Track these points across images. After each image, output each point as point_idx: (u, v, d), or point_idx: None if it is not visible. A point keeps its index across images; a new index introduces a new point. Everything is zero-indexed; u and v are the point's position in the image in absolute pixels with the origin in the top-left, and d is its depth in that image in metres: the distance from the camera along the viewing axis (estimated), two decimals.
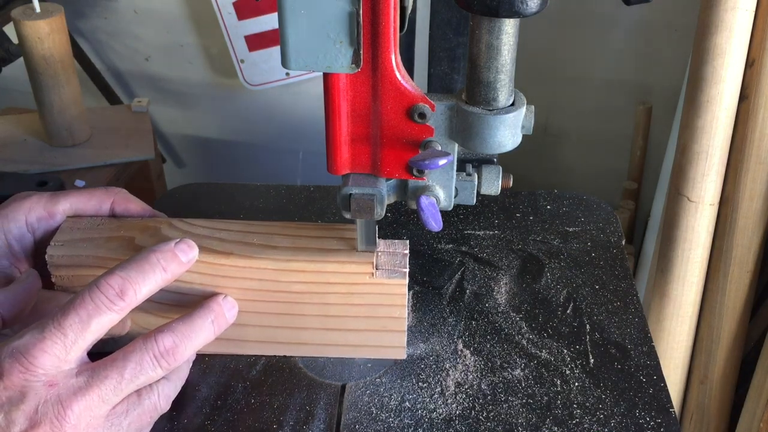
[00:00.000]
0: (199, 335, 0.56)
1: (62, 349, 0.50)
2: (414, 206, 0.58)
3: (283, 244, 0.61)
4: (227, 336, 0.62)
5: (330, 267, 0.60)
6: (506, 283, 0.72)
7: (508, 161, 0.80)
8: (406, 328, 0.63)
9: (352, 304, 0.61)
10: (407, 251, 0.62)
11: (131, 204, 0.66)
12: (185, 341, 0.55)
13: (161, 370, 0.53)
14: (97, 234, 0.62)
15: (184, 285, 0.60)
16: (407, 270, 0.60)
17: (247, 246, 0.61)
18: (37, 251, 0.63)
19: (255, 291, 0.61)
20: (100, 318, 0.51)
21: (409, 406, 0.60)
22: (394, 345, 0.63)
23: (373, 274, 0.60)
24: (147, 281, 0.54)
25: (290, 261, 0.60)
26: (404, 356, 0.64)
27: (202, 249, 0.60)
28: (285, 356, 0.64)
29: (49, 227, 0.63)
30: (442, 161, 0.52)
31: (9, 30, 1.19)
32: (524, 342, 0.66)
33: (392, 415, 0.59)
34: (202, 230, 0.62)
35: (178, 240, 0.57)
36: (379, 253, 0.61)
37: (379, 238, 0.61)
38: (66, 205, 0.64)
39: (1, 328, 0.56)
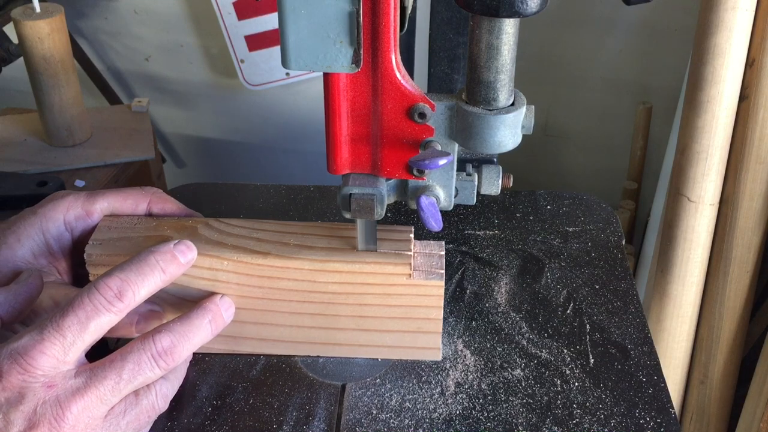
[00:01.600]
0: (196, 335, 0.56)
1: (61, 351, 0.50)
2: (414, 206, 0.58)
3: (320, 244, 0.61)
4: (261, 336, 0.63)
5: (367, 268, 0.60)
6: (506, 283, 0.72)
7: (508, 161, 0.80)
8: (441, 330, 0.63)
9: (388, 305, 0.61)
10: (443, 252, 0.62)
11: (168, 203, 0.66)
12: (183, 341, 0.55)
13: (159, 370, 0.53)
14: (134, 233, 0.62)
15: (221, 284, 0.60)
16: (444, 271, 0.60)
17: (284, 246, 0.61)
18: (75, 250, 0.63)
19: (291, 291, 0.61)
20: (98, 319, 0.51)
21: (410, 406, 0.60)
22: (429, 346, 0.63)
23: (410, 275, 0.60)
24: (146, 282, 0.54)
25: (327, 261, 0.60)
26: (439, 357, 0.64)
27: (239, 249, 0.60)
28: (285, 356, 0.64)
29: (87, 226, 0.63)
30: (442, 161, 0.52)
31: (9, 30, 1.19)
32: (524, 342, 0.66)
33: (392, 415, 0.59)
34: (239, 230, 0.62)
35: (176, 241, 0.57)
36: (416, 255, 0.61)
37: (415, 239, 0.62)
38: (104, 204, 0.64)
39: (0, 328, 0.56)
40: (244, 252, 0.60)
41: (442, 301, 0.61)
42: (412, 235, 0.62)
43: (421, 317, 0.62)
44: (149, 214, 0.65)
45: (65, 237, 0.63)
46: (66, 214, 0.62)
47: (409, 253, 0.60)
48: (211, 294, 0.60)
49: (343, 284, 0.60)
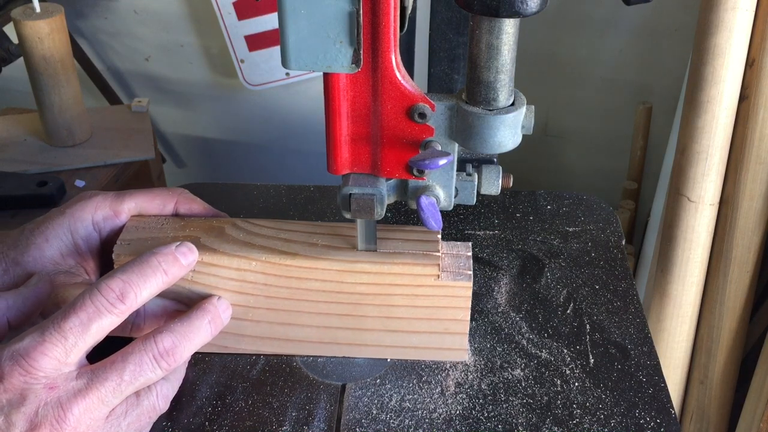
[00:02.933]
0: (197, 336, 0.56)
1: (62, 352, 0.50)
2: (414, 206, 0.58)
3: (347, 245, 0.61)
4: (288, 336, 0.63)
5: (395, 269, 0.60)
6: (506, 283, 0.72)
7: (508, 161, 0.80)
8: (468, 331, 0.63)
9: (415, 306, 0.61)
10: (470, 253, 0.62)
11: (194, 204, 0.66)
12: (184, 342, 0.55)
13: (161, 371, 0.53)
14: (162, 233, 0.62)
15: (248, 284, 0.61)
16: (472, 272, 0.60)
17: (312, 247, 0.61)
18: (103, 250, 0.64)
19: (318, 292, 0.61)
20: (100, 321, 0.51)
21: (410, 406, 0.60)
22: (456, 347, 0.63)
23: (438, 276, 0.60)
24: (148, 284, 0.54)
25: (355, 262, 0.60)
26: (466, 358, 0.64)
27: (267, 249, 0.60)
28: (285, 356, 0.64)
29: (115, 226, 0.63)
30: (442, 161, 0.52)
31: (9, 30, 1.19)
32: (524, 342, 0.66)
33: (392, 415, 0.59)
34: (266, 230, 0.63)
35: (178, 243, 0.57)
36: (444, 256, 0.61)
37: (442, 240, 0.62)
38: (131, 204, 0.64)
39: (7, 332, 0.56)
40: (271, 252, 0.60)
41: (470, 302, 0.61)
42: (439, 236, 0.62)
43: (448, 318, 0.61)
44: (175, 215, 0.66)
45: (93, 237, 0.63)
46: (94, 214, 0.63)
47: (437, 254, 0.60)
48: (209, 295, 0.60)
49: (370, 285, 0.60)
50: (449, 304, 0.61)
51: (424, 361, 0.64)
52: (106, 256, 0.62)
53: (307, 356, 0.64)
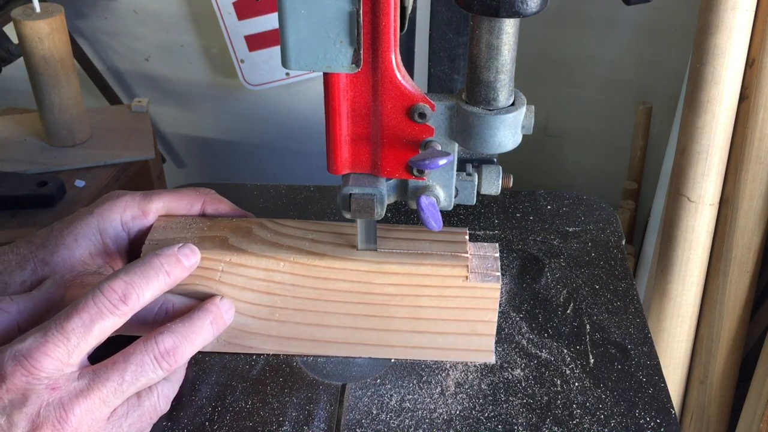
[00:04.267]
0: (198, 336, 0.56)
1: (65, 353, 0.50)
2: (414, 206, 0.58)
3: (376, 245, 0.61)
4: (314, 337, 0.63)
5: (424, 270, 0.60)
6: (506, 283, 0.72)
7: (508, 161, 0.80)
8: (495, 332, 0.62)
9: (443, 307, 0.61)
10: (498, 254, 0.62)
11: (221, 204, 0.66)
12: (185, 342, 0.55)
13: (162, 371, 0.53)
14: (189, 234, 0.62)
15: (276, 285, 0.61)
16: (500, 273, 0.60)
17: (340, 247, 0.61)
18: (131, 250, 0.64)
19: (346, 292, 0.61)
20: (102, 322, 0.51)
21: (410, 406, 0.60)
22: (482, 348, 0.63)
23: (467, 277, 0.60)
24: (150, 286, 0.54)
25: (383, 263, 0.60)
26: (493, 360, 0.64)
27: (295, 250, 0.60)
28: (285, 356, 0.64)
29: (143, 226, 0.63)
30: (442, 161, 0.52)
31: (9, 30, 1.19)
32: (524, 342, 0.66)
33: (392, 416, 0.59)
34: (293, 230, 0.63)
35: (181, 245, 0.57)
36: (471, 257, 0.61)
37: (470, 241, 0.62)
38: (159, 204, 0.64)
39: (17, 336, 0.56)
40: (299, 253, 0.60)
41: (498, 303, 0.61)
42: (467, 237, 0.62)
43: (476, 319, 0.61)
44: (202, 215, 0.66)
45: (122, 237, 0.63)
46: (123, 214, 0.62)
47: (465, 255, 0.60)
48: (211, 295, 0.60)
49: (398, 286, 0.60)
50: (477, 305, 0.61)
51: (424, 361, 0.64)
52: (134, 256, 0.62)
53: (308, 356, 0.64)
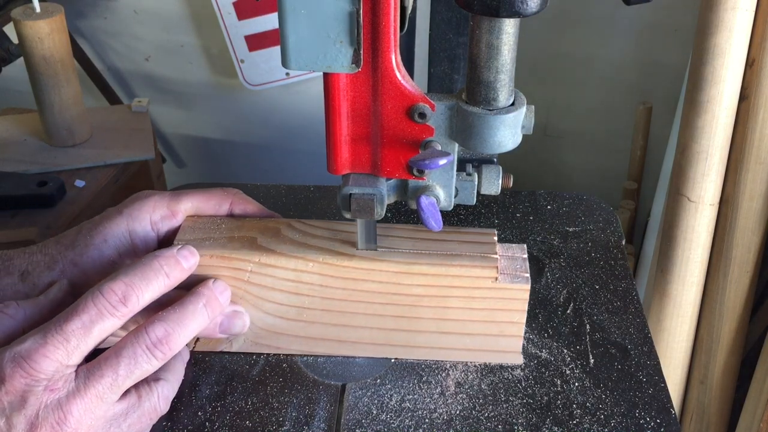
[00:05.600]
0: (192, 321, 0.56)
1: (64, 354, 0.50)
2: (414, 206, 0.58)
3: (404, 246, 0.61)
4: (341, 338, 0.63)
5: (453, 271, 0.60)
6: None
7: (508, 161, 0.80)
8: (523, 333, 0.62)
9: (471, 308, 0.61)
10: (526, 255, 0.62)
11: (249, 205, 0.66)
12: (177, 329, 0.54)
13: (157, 361, 0.53)
14: (218, 234, 0.62)
15: (304, 285, 0.61)
16: (529, 274, 0.60)
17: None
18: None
19: (374, 293, 0.61)
20: (102, 324, 0.51)
21: (410, 406, 0.60)
22: (509, 350, 0.63)
23: (496, 278, 0.59)
24: (150, 287, 0.54)
25: (413, 264, 0.60)
26: (520, 361, 0.63)
27: (324, 250, 0.60)
28: (286, 356, 0.64)
29: (172, 226, 0.63)
30: (442, 161, 0.52)
31: (9, 30, 1.19)
32: (524, 342, 0.66)
33: (392, 416, 0.59)
34: (321, 231, 0.63)
35: (180, 246, 0.57)
36: (500, 258, 0.61)
37: (499, 242, 0.62)
38: (188, 205, 0.64)
39: None
40: (329, 253, 0.60)
41: (527, 304, 0.61)
42: (495, 238, 0.62)
43: (504, 320, 0.61)
44: (230, 215, 0.65)
45: (151, 237, 0.62)
46: (152, 214, 0.62)
47: (495, 256, 0.60)
48: (205, 279, 0.60)
49: (427, 287, 0.60)
50: (506, 306, 0.61)
51: (424, 361, 0.64)
52: None
53: (308, 356, 0.64)
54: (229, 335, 0.62)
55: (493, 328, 0.62)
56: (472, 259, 0.60)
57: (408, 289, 0.60)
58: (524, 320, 0.61)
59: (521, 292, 0.60)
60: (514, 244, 0.63)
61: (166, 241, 0.63)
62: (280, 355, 0.64)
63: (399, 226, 0.64)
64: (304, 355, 0.64)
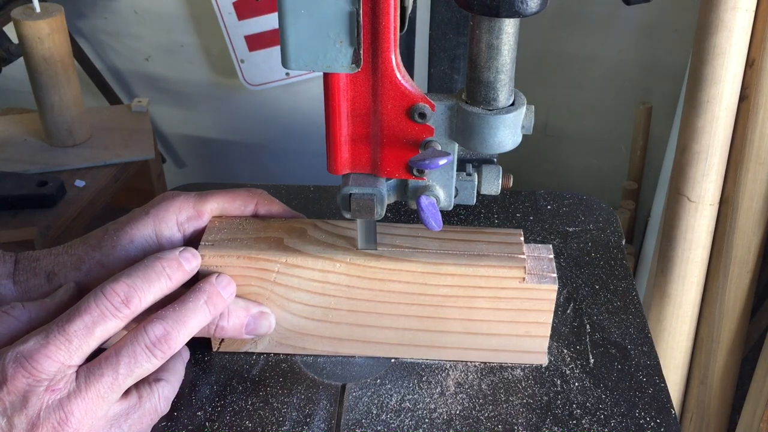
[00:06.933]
0: (192, 319, 0.55)
1: (66, 355, 0.50)
2: (414, 206, 0.58)
3: (431, 246, 0.61)
4: (366, 338, 0.63)
5: (480, 271, 0.59)
6: None
7: (508, 161, 0.80)
8: (549, 334, 0.62)
9: (498, 309, 0.61)
10: (552, 255, 0.61)
11: (274, 205, 0.65)
12: (177, 327, 0.54)
13: (157, 360, 0.53)
14: (244, 234, 0.62)
15: (331, 286, 0.60)
16: (556, 275, 0.60)
17: (396, 248, 0.61)
18: None
19: (401, 294, 0.61)
20: (104, 325, 0.51)
21: (410, 406, 0.60)
22: (535, 350, 0.63)
23: (524, 279, 0.59)
24: (152, 289, 0.54)
25: (440, 264, 0.59)
26: (545, 362, 0.63)
27: (350, 251, 0.60)
28: (285, 356, 0.64)
29: (198, 227, 0.63)
30: (442, 161, 0.52)
31: (9, 30, 1.19)
32: None
33: (392, 416, 0.59)
34: (347, 231, 0.62)
35: (182, 249, 0.57)
36: (527, 258, 0.61)
37: (525, 243, 0.61)
38: (213, 205, 0.63)
39: None
40: (355, 254, 0.60)
41: (554, 305, 0.60)
42: (522, 238, 0.62)
43: (530, 321, 0.61)
44: (255, 215, 0.65)
45: (177, 237, 0.62)
46: (178, 215, 0.62)
47: (522, 256, 0.60)
48: (208, 274, 0.59)
49: (454, 287, 0.60)
50: (532, 306, 0.60)
51: (424, 361, 0.64)
52: None
53: (310, 356, 0.64)
54: (255, 336, 0.62)
55: (520, 329, 0.62)
56: (500, 260, 0.60)
57: (435, 289, 0.60)
58: (551, 320, 0.61)
59: (549, 292, 0.60)
60: (540, 245, 0.62)
61: (193, 241, 0.62)
62: (280, 354, 0.64)
63: (423, 226, 0.64)
64: (305, 355, 0.64)
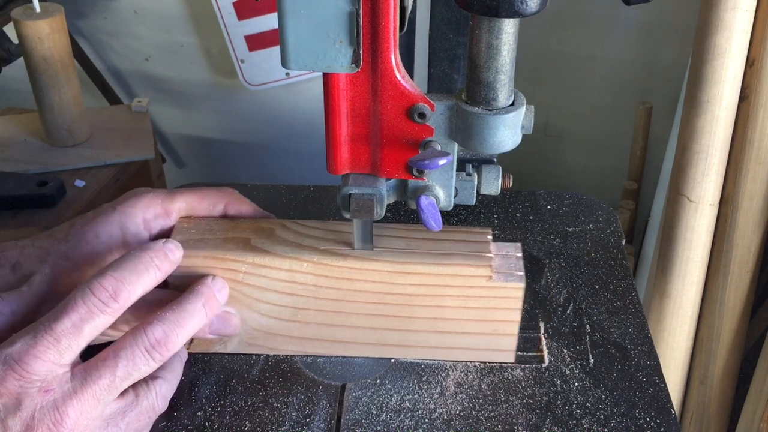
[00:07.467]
0: (190, 321, 0.55)
1: (56, 354, 0.49)
2: (414, 206, 0.58)
3: (398, 246, 0.61)
4: (335, 337, 0.63)
5: (446, 270, 0.59)
6: None
7: (508, 161, 0.80)
8: (517, 332, 0.62)
9: (466, 308, 0.61)
10: (521, 254, 0.62)
11: (243, 205, 0.65)
12: (176, 329, 0.54)
13: (155, 362, 0.53)
14: (212, 235, 0.62)
15: (298, 285, 0.61)
16: (523, 273, 0.60)
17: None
18: None
19: (368, 293, 0.61)
20: (93, 321, 0.50)
21: (409, 406, 0.60)
22: (503, 348, 0.63)
23: (490, 277, 0.59)
24: (141, 282, 0.53)
25: (406, 264, 0.60)
26: (513, 360, 0.63)
27: (318, 250, 0.60)
28: (285, 356, 0.64)
29: (165, 225, 0.63)
30: (442, 161, 0.52)
31: (9, 30, 1.19)
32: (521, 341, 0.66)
33: (392, 416, 0.59)
34: (315, 231, 0.63)
35: (165, 240, 0.57)
36: (494, 256, 0.61)
37: (493, 242, 0.61)
38: (181, 204, 0.63)
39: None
40: (322, 253, 0.60)
41: (521, 303, 0.60)
42: (490, 237, 0.62)
43: (498, 319, 0.61)
44: (224, 215, 0.65)
45: (143, 235, 0.62)
46: (145, 212, 0.62)
47: (489, 255, 0.60)
48: (203, 276, 0.59)
49: (421, 286, 0.60)
50: (500, 305, 0.60)
51: (424, 361, 0.64)
52: None
53: (310, 356, 0.64)
54: (220, 336, 0.62)
55: (487, 327, 0.62)
56: (466, 258, 0.60)
57: (402, 288, 0.60)
58: (519, 319, 0.61)
59: (515, 290, 0.60)
60: (508, 243, 0.62)
61: (158, 239, 0.62)
62: (279, 355, 0.64)
63: (393, 225, 0.64)
64: (304, 355, 0.64)
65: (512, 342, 0.63)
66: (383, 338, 0.63)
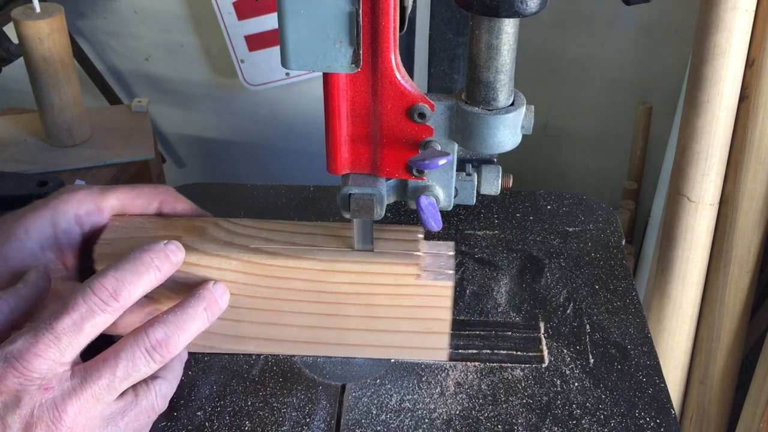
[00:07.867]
0: (192, 325, 0.55)
1: (57, 353, 0.49)
2: (414, 206, 0.58)
3: (329, 244, 0.61)
4: (268, 336, 0.63)
5: (376, 268, 0.60)
6: (506, 283, 0.72)
7: (508, 161, 0.80)
8: (449, 330, 0.62)
9: (397, 306, 0.61)
10: (452, 252, 0.62)
11: (179, 204, 0.65)
12: (177, 332, 0.54)
13: (155, 364, 0.53)
14: (144, 234, 0.62)
15: (229, 284, 0.60)
16: (453, 272, 0.60)
17: (293, 246, 0.61)
18: (83, 246, 0.63)
19: (300, 291, 0.61)
20: (93, 320, 0.51)
21: (409, 406, 0.60)
22: (437, 347, 0.63)
23: (419, 275, 0.59)
24: (141, 282, 0.53)
25: (336, 262, 0.60)
26: (446, 358, 0.64)
27: (248, 249, 0.60)
28: (285, 356, 0.64)
29: (97, 222, 0.63)
30: (442, 161, 0.52)
31: (9, 30, 1.19)
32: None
33: (392, 416, 0.59)
34: (248, 230, 0.62)
35: (166, 241, 0.57)
36: (425, 255, 0.61)
37: (424, 240, 0.61)
38: (114, 201, 0.63)
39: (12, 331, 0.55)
40: (252, 252, 0.60)
41: (451, 301, 0.60)
42: (421, 236, 0.62)
43: (430, 318, 0.61)
44: (159, 214, 0.65)
45: (75, 232, 0.62)
46: (78, 209, 0.62)
47: (417, 253, 0.60)
48: (204, 281, 0.60)
49: (352, 284, 0.60)
50: (430, 303, 0.61)
51: (424, 361, 0.64)
52: (86, 253, 0.61)
53: (305, 356, 0.64)
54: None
55: (419, 326, 0.62)
56: (395, 257, 0.60)
57: (333, 287, 0.60)
58: (449, 317, 0.61)
59: (444, 289, 0.60)
60: (441, 242, 0.62)
61: (91, 237, 0.62)
62: (279, 355, 0.64)
63: (323, 224, 0.64)
64: (304, 355, 0.64)
65: (444, 340, 0.63)
66: (317, 336, 0.63)
